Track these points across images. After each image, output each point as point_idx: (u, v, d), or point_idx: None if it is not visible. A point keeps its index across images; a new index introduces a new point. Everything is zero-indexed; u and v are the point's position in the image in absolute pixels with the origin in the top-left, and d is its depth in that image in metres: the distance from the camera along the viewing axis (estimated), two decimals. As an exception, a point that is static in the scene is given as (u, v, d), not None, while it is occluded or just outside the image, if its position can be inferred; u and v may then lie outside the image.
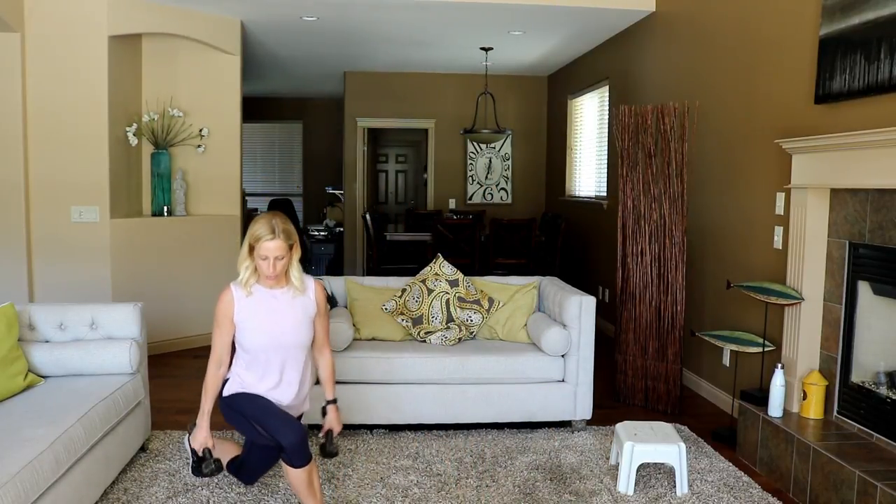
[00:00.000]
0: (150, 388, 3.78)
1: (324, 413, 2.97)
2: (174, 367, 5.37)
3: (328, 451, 2.91)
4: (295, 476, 2.73)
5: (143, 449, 3.67)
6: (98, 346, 3.39)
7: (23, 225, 5.13)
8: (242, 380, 2.86)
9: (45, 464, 2.48)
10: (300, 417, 3.04)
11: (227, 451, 3.11)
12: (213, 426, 2.92)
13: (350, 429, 4.03)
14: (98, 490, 3.00)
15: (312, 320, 2.90)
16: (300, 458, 2.70)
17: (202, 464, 2.84)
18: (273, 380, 2.84)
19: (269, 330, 2.80)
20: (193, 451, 2.92)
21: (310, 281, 2.91)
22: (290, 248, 2.78)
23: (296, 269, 2.84)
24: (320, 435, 2.95)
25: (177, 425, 4.08)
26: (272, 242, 2.72)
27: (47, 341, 3.43)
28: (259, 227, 2.74)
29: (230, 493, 3.22)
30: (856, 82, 3.27)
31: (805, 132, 3.67)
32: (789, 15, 3.90)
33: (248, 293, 2.82)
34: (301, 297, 2.86)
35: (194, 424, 2.88)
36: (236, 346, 2.87)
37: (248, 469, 3.07)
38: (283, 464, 2.75)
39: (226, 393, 2.89)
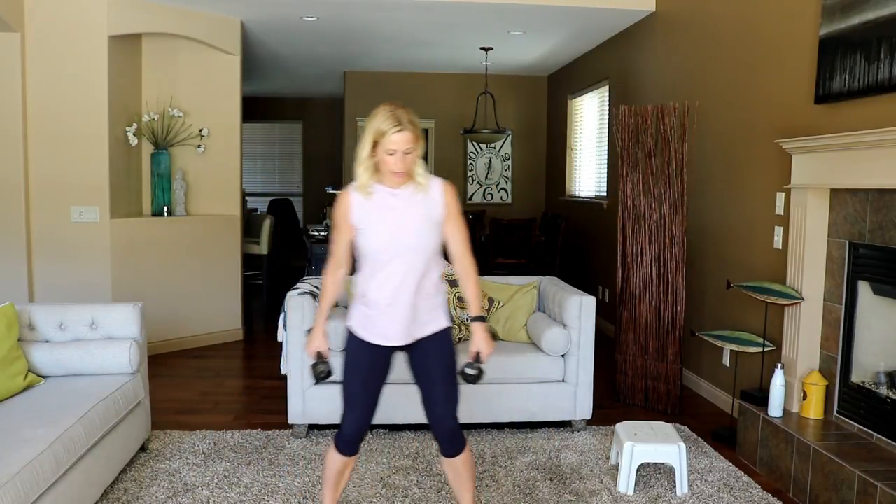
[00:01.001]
0: (150, 388, 3.78)
1: (469, 329, 2.67)
2: (174, 367, 5.37)
3: (467, 375, 2.59)
4: (331, 458, 2.66)
5: (143, 449, 3.67)
6: (98, 346, 3.39)
7: (23, 225, 5.13)
8: (363, 294, 2.59)
9: (45, 464, 2.48)
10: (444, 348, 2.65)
11: None
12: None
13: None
14: (98, 490, 3.00)
15: (438, 224, 2.57)
16: (347, 448, 2.63)
17: (314, 366, 2.64)
18: (391, 288, 2.53)
19: (387, 230, 2.52)
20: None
21: (436, 180, 2.60)
22: (417, 140, 2.49)
23: (420, 167, 2.54)
24: (468, 358, 2.62)
25: (177, 425, 4.08)
26: (400, 134, 2.42)
27: (47, 341, 3.43)
28: (381, 119, 2.45)
29: (230, 493, 3.22)
30: (856, 82, 3.27)
31: (805, 132, 3.67)
32: (789, 15, 3.90)
33: (368, 194, 2.53)
34: (424, 195, 2.54)
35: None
36: (356, 253, 2.61)
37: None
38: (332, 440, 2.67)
39: (347, 321, 2.67)
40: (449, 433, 2.60)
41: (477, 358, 2.61)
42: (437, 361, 2.62)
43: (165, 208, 5.86)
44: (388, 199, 2.53)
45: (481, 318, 2.64)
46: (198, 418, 4.24)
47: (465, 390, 4.04)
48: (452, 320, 4.22)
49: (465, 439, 2.64)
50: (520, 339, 4.25)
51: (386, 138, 2.43)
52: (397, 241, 2.52)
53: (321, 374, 2.62)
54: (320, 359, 2.63)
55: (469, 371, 2.59)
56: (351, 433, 2.63)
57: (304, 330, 3.85)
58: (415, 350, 2.63)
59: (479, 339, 2.61)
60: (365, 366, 2.62)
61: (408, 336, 2.58)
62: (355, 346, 2.63)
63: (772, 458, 3.51)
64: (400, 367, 3.90)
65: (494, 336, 2.57)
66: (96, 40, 5.22)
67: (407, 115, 2.47)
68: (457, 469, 2.64)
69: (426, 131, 9.33)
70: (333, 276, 2.65)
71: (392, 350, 2.63)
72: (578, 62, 7.82)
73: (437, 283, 2.62)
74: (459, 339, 4.15)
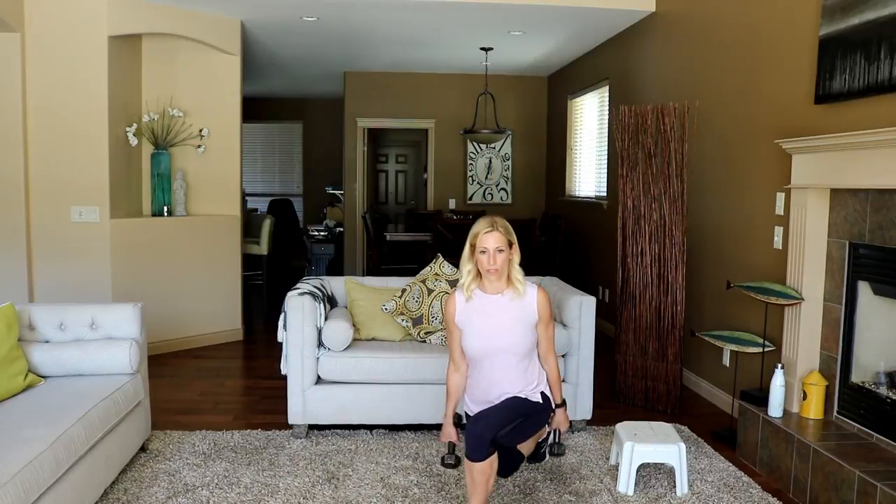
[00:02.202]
0: (150, 388, 3.78)
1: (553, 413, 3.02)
2: (174, 367, 5.37)
3: (555, 452, 3.09)
4: (470, 468, 2.74)
5: (143, 449, 3.67)
6: (98, 346, 3.39)
7: (23, 225, 5.13)
8: (468, 391, 3.00)
9: (45, 464, 2.48)
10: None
11: None
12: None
13: (350, 429, 4.03)
14: (98, 490, 3.00)
15: (532, 326, 2.91)
16: (475, 451, 2.70)
17: (443, 458, 2.99)
18: (486, 385, 2.91)
19: (482, 333, 2.88)
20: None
21: (532, 288, 2.93)
22: (510, 245, 2.84)
23: (518, 272, 2.89)
24: (549, 432, 3.05)
25: (177, 425, 4.08)
26: (490, 235, 2.80)
27: (47, 341, 3.43)
28: (479, 223, 2.85)
29: (230, 493, 3.22)
30: (856, 82, 3.27)
31: (805, 132, 3.67)
32: (789, 15, 3.90)
33: (469, 297, 2.91)
34: (519, 300, 2.89)
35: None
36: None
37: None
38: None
39: (465, 407, 3.05)
40: (476, 435, 2.72)
41: (556, 435, 3.07)
42: (513, 400, 2.89)
43: (165, 208, 5.86)
44: (486, 306, 2.89)
45: (562, 404, 3.04)
46: (198, 418, 4.24)
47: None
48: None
49: (493, 453, 2.73)
50: (520, 339, 4.24)
51: (479, 238, 2.82)
52: (488, 343, 2.87)
53: (449, 464, 2.98)
54: (451, 450, 2.97)
55: (556, 450, 3.10)
56: (474, 432, 2.77)
57: (303, 330, 3.85)
58: None
59: (560, 420, 3.02)
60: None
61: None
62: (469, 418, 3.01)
63: (772, 458, 3.51)
64: (400, 367, 3.91)
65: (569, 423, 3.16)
66: (96, 40, 5.22)
67: (501, 221, 2.86)
68: (472, 474, 2.74)
69: (426, 131, 9.34)
70: (453, 377, 3.00)
71: None
72: (578, 62, 7.82)
73: (533, 376, 2.94)
74: None
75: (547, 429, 3.04)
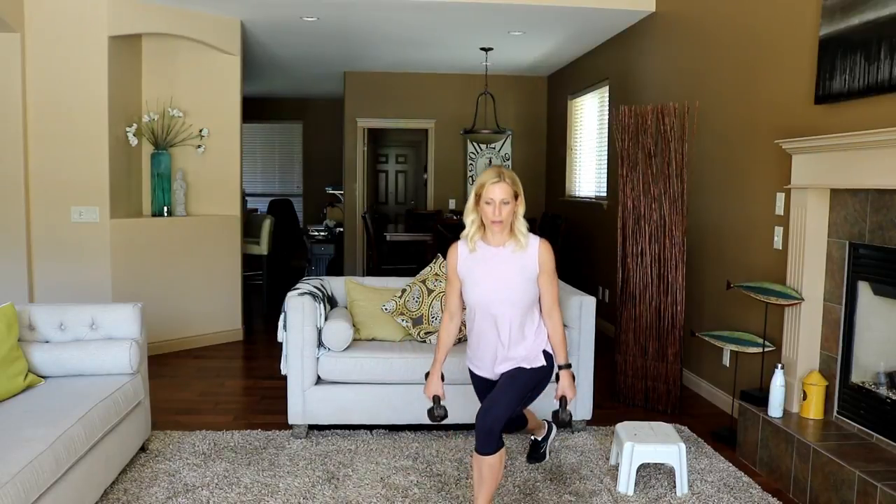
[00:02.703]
0: (150, 388, 3.78)
1: (557, 379, 2.91)
2: (174, 367, 5.37)
3: (560, 420, 2.86)
4: (478, 462, 2.73)
5: (143, 449, 3.67)
6: (98, 346, 3.39)
7: (23, 225, 5.13)
8: (470, 342, 2.97)
9: (45, 464, 2.48)
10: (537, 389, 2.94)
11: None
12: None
13: (350, 429, 4.03)
14: (98, 490, 3.00)
15: (533, 279, 2.84)
16: (484, 445, 2.69)
17: (430, 410, 2.93)
18: (488, 340, 2.87)
19: (482, 285, 2.83)
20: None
21: (535, 240, 2.86)
22: (516, 197, 2.78)
23: (521, 224, 2.83)
24: (555, 399, 2.90)
25: (177, 425, 4.08)
26: (497, 186, 2.74)
27: (47, 341, 3.43)
28: (485, 173, 2.78)
29: (230, 493, 3.22)
30: (856, 82, 3.27)
31: (805, 132, 3.67)
32: (789, 15, 3.90)
33: (472, 249, 2.85)
34: (521, 253, 2.83)
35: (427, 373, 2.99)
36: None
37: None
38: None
39: (467, 361, 3.06)
40: (485, 430, 2.71)
41: (563, 402, 2.86)
42: (517, 376, 2.86)
43: (165, 208, 5.86)
44: (491, 257, 2.84)
45: (568, 366, 2.91)
46: (198, 418, 4.24)
47: (467, 390, 4.04)
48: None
49: (501, 447, 2.74)
50: (520, 339, 4.25)
51: (485, 189, 2.75)
52: (490, 295, 2.82)
53: (437, 417, 2.91)
54: (437, 402, 2.92)
55: (563, 416, 2.86)
56: (482, 426, 2.76)
57: (303, 330, 3.85)
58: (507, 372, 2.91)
59: (565, 385, 2.87)
60: (482, 388, 3.03)
61: (497, 370, 2.92)
62: (473, 376, 3.07)
63: (772, 458, 3.51)
64: (400, 367, 3.91)
65: (573, 377, 2.96)
66: (96, 40, 5.22)
67: (508, 173, 2.79)
68: (480, 468, 2.74)
69: (426, 131, 9.34)
70: (447, 327, 2.97)
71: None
72: (578, 62, 7.82)
73: (535, 332, 2.89)
74: (459, 339, 4.15)
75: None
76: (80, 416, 2.85)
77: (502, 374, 2.88)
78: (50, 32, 5.12)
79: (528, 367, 2.86)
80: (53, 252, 5.26)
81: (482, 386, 3.02)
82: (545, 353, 2.91)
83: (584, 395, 4.03)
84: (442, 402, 2.93)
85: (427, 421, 3.96)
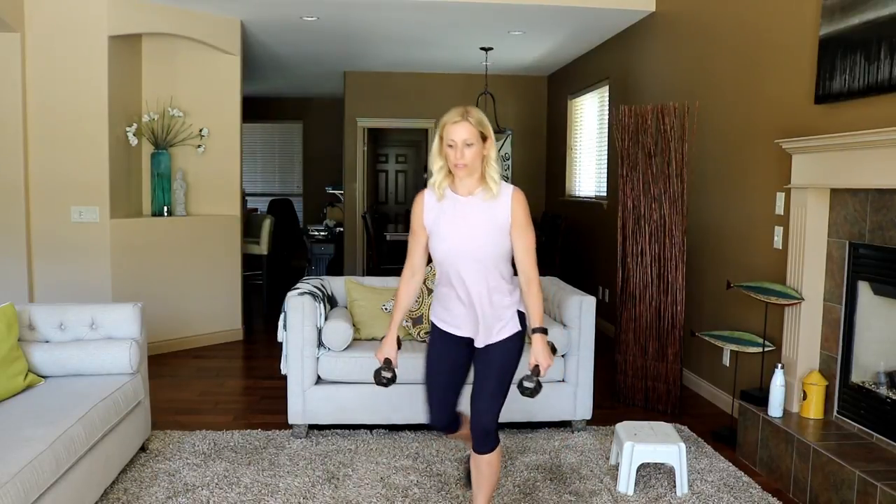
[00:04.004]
0: (150, 388, 3.78)
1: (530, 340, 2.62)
2: (174, 367, 5.37)
3: (524, 388, 2.56)
4: (477, 461, 2.66)
5: (143, 449, 3.67)
6: (98, 346, 3.39)
7: (23, 225, 5.13)
8: (437, 297, 2.69)
9: (45, 464, 2.48)
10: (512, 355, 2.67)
11: None
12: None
13: (350, 429, 4.03)
14: (98, 490, 3.00)
15: (504, 231, 2.55)
16: (482, 445, 2.62)
17: (378, 372, 2.68)
18: (459, 292, 2.59)
19: (450, 237, 2.55)
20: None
21: (508, 188, 2.58)
22: (484, 139, 2.51)
23: (493, 170, 2.54)
24: (528, 370, 2.60)
25: (177, 425, 4.08)
26: (459, 126, 2.48)
27: (47, 341, 3.43)
28: (448, 113, 2.54)
29: (230, 493, 3.22)
30: (856, 82, 3.27)
31: (805, 132, 3.67)
32: (789, 15, 3.90)
33: (441, 196, 2.58)
34: (492, 201, 2.55)
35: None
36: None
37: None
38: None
39: (431, 315, 2.75)
40: (482, 430, 2.62)
41: (536, 370, 2.58)
42: (496, 362, 2.64)
43: (165, 208, 5.86)
44: (459, 207, 2.56)
45: (542, 330, 2.60)
46: (198, 418, 4.24)
47: (467, 390, 4.03)
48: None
49: (499, 443, 2.66)
50: (520, 339, 4.25)
51: (446, 130, 2.50)
52: (456, 248, 2.55)
53: (384, 380, 2.65)
54: (387, 365, 2.67)
55: (527, 384, 2.56)
56: (433, 421, 2.70)
57: (303, 330, 3.85)
58: (483, 351, 2.67)
59: (538, 351, 2.58)
60: (439, 356, 2.71)
61: (479, 336, 2.64)
62: (434, 337, 2.73)
63: (772, 458, 3.51)
64: (400, 366, 3.90)
65: (553, 350, 2.66)
66: (96, 40, 5.22)
67: (475, 112, 2.52)
68: (480, 467, 2.67)
69: (426, 131, 9.34)
70: (408, 284, 2.69)
71: (469, 344, 2.67)
72: (578, 62, 7.82)
73: (507, 289, 2.62)
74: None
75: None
76: (80, 416, 2.85)
77: (491, 357, 2.63)
78: (50, 32, 5.12)
79: (515, 332, 2.63)
80: (53, 252, 5.26)
81: (452, 346, 2.69)
82: (518, 313, 2.65)
83: (584, 395, 4.03)
84: (392, 366, 2.68)
85: (424, 420, 3.97)
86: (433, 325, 2.74)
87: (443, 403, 2.74)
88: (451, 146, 2.49)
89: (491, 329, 2.62)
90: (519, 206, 2.56)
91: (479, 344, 2.65)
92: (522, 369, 2.63)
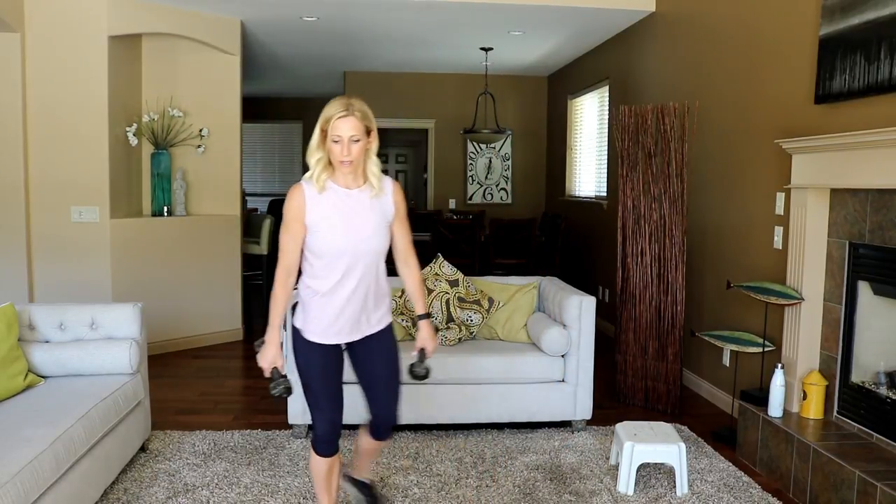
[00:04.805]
0: (150, 388, 3.78)
1: (415, 326, 2.67)
2: (174, 367, 5.37)
3: (416, 373, 2.63)
4: (315, 464, 2.64)
5: (143, 449, 3.67)
6: (98, 346, 3.39)
7: (23, 225, 5.13)
8: (309, 307, 2.53)
9: (45, 464, 2.48)
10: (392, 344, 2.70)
11: None
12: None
13: (350, 429, 4.02)
14: (98, 490, 3.00)
15: (389, 224, 2.55)
16: (326, 448, 2.58)
17: (271, 384, 2.49)
18: (346, 291, 2.48)
19: (346, 233, 2.45)
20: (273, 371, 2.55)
21: (388, 181, 2.57)
22: (368, 133, 2.43)
23: (374, 165, 2.49)
24: (413, 353, 2.67)
25: (177, 425, 4.08)
26: (345, 121, 2.38)
27: (47, 341, 3.43)
28: (331, 105, 2.43)
29: (230, 493, 3.22)
30: (856, 82, 3.27)
31: (805, 132, 3.67)
32: (789, 15, 3.90)
33: (321, 189, 2.45)
34: (379, 198, 2.52)
35: (262, 341, 2.51)
36: (305, 251, 2.51)
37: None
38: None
39: (295, 322, 2.59)
40: (388, 428, 2.74)
41: (422, 355, 2.67)
42: (383, 362, 2.67)
43: (165, 208, 5.86)
44: (345, 201, 2.47)
45: (427, 316, 2.72)
46: (198, 418, 4.24)
47: (467, 390, 4.04)
48: (452, 320, 4.22)
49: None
50: (519, 339, 4.25)
51: (331, 125, 2.40)
52: (355, 244, 2.46)
53: (280, 391, 2.47)
54: (277, 374, 2.49)
55: (418, 370, 2.66)
56: (324, 433, 2.58)
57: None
58: (359, 346, 2.63)
59: (424, 336, 2.69)
60: (321, 364, 2.57)
61: (358, 334, 2.60)
62: (304, 347, 2.56)
63: (772, 458, 3.51)
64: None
65: (437, 329, 2.68)
66: (96, 40, 5.22)
67: (358, 104, 2.43)
68: (374, 447, 2.83)
69: (426, 131, 9.34)
70: (285, 285, 2.51)
71: (341, 345, 2.63)
72: (578, 62, 7.82)
73: (386, 282, 2.64)
74: (459, 338, 4.15)
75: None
76: (80, 416, 2.85)
77: (374, 354, 2.62)
78: (50, 32, 5.12)
79: (389, 323, 2.66)
80: (53, 252, 5.26)
81: (327, 354, 2.57)
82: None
83: (583, 395, 4.03)
84: (283, 374, 2.49)
85: (424, 421, 3.99)
86: (304, 340, 2.55)
87: (333, 405, 2.61)
88: (336, 141, 2.39)
89: (370, 320, 2.60)
90: (400, 198, 2.60)
91: (355, 337, 2.59)
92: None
